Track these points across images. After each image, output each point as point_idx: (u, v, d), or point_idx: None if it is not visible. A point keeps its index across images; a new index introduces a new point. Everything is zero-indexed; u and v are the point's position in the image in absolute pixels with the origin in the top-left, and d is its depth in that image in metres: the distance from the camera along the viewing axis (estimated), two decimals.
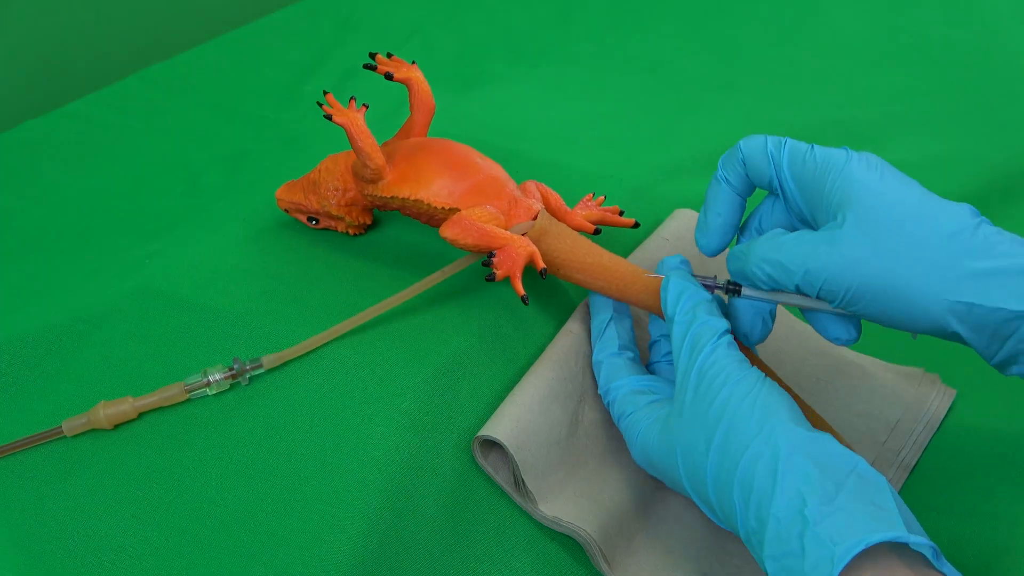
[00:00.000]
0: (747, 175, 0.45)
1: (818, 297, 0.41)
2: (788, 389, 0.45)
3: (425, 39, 0.87)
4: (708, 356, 0.41)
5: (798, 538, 0.34)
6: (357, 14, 0.92)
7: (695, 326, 0.43)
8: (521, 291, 0.46)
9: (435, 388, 0.46)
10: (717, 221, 0.46)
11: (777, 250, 0.41)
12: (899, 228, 0.38)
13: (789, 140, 0.44)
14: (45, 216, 0.65)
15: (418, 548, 0.42)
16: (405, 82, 0.52)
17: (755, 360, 0.46)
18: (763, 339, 0.46)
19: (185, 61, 0.84)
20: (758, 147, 0.44)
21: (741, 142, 0.45)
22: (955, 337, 0.39)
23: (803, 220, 0.44)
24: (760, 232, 0.47)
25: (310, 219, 0.54)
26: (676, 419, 0.41)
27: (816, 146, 0.43)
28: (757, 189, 0.46)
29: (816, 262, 0.40)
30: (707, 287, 0.45)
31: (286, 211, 0.55)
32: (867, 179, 0.40)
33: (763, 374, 0.41)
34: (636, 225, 0.54)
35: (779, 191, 0.44)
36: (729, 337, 0.42)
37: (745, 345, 0.46)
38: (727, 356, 0.41)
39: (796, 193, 0.43)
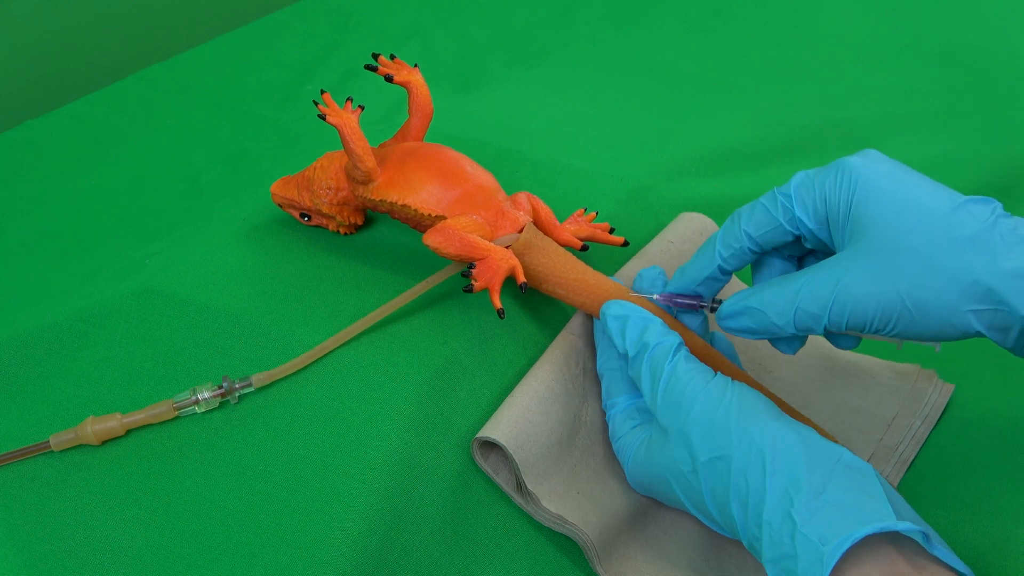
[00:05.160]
0: (751, 252, 0.43)
1: (846, 330, 0.40)
2: (761, 387, 0.45)
3: (425, 39, 0.87)
4: (669, 377, 0.41)
5: (790, 540, 0.34)
6: (357, 14, 0.92)
7: (648, 352, 0.43)
8: (498, 305, 0.45)
9: (435, 389, 0.46)
10: (694, 286, 0.45)
11: (799, 300, 0.40)
12: (916, 249, 0.37)
13: (781, 190, 0.42)
14: (45, 216, 0.65)
15: (418, 549, 0.42)
16: (405, 85, 0.52)
17: (721, 363, 0.46)
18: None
19: (185, 61, 0.84)
20: (761, 215, 0.42)
21: (742, 223, 0.43)
22: (979, 335, 0.38)
23: (817, 247, 0.43)
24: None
25: (302, 215, 0.54)
26: (658, 444, 0.42)
27: (811, 171, 0.42)
28: None
29: (838, 303, 0.39)
30: (689, 305, 0.45)
31: (280, 206, 0.55)
32: (875, 193, 0.39)
33: (729, 378, 0.41)
34: (625, 243, 0.53)
35: (800, 235, 0.42)
36: (685, 351, 0.43)
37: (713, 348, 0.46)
38: (688, 372, 0.41)
39: (815, 227, 0.42)
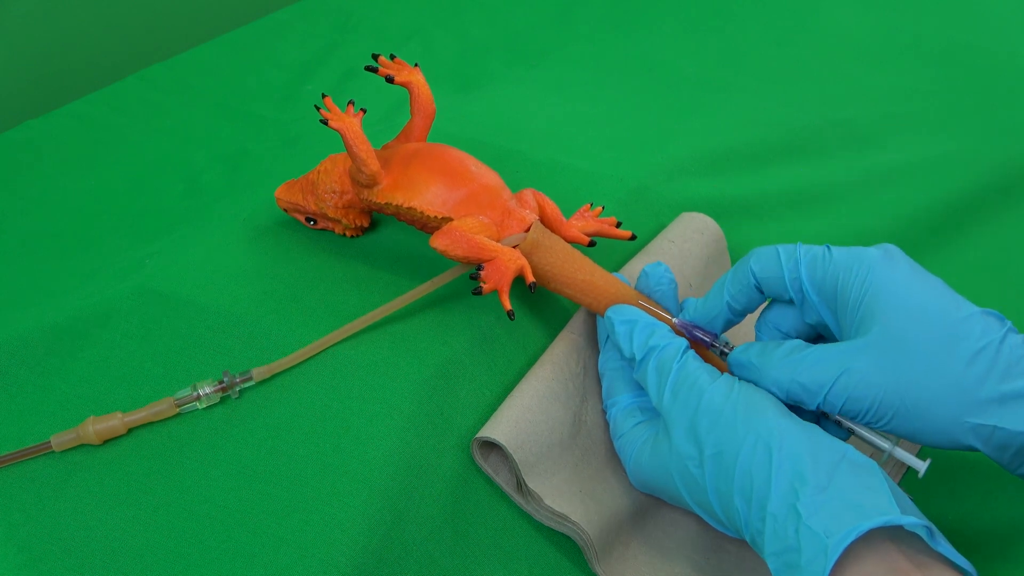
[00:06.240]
0: (759, 292, 0.44)
1: (839, 414, 0.40)
2: None
3: (425, 39, 0.88)
4: (677, 375, 0.42)
5: (794, 533, 0.34)
6: (357, 14, 0.92)
7: (656, 353, 0.43)
8: (508, 306, 0.45)
9: (435, 389, 0.46)
10: (706, 322, 0.46)
11: (797, 372, 0.40)
12: (923, 350, 0.38)
13: (802, 247, 0.43)
14: (45, 216, 0.65)
15: (418, 549, 0.42)
16: (406, 85, 0.51)
17: (726, 370, 0.46)
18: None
19: (185, 61, 0.84)
20: (771, 263, 0.43)
21: (752, 263, 0.44)
22: (972, 449, 0.38)
23: (816, 322, 0.44)
24: (766, 333, 0.46)
25: (308, 219, 0.54)
26: (662, 440, 0.42)
27: (832, 248, 0.42)
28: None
29: (838, 386, 0.39)
30: (702, 340, 0.45)
31: (285, 210, 0.55)
32: (891, 288, 0.39)
33: (735, 377, 0.41)
34: (633, 237, 0.53)
35: (798, 301, 0.43)
36: (692, 352, 0.43)
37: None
38: (695, 369, 0.42)
39: (816, 301, 0.42)
